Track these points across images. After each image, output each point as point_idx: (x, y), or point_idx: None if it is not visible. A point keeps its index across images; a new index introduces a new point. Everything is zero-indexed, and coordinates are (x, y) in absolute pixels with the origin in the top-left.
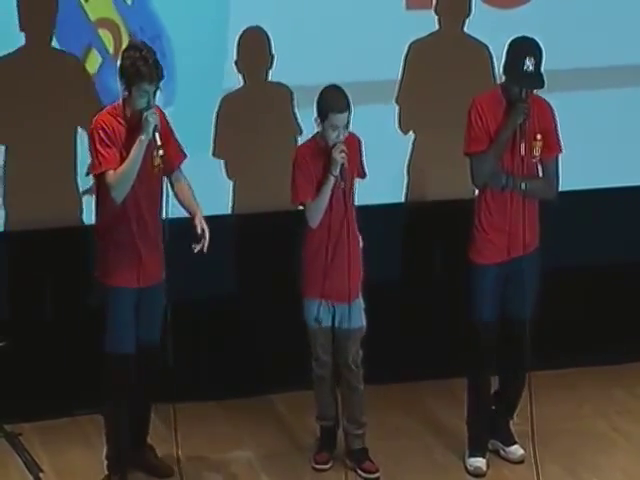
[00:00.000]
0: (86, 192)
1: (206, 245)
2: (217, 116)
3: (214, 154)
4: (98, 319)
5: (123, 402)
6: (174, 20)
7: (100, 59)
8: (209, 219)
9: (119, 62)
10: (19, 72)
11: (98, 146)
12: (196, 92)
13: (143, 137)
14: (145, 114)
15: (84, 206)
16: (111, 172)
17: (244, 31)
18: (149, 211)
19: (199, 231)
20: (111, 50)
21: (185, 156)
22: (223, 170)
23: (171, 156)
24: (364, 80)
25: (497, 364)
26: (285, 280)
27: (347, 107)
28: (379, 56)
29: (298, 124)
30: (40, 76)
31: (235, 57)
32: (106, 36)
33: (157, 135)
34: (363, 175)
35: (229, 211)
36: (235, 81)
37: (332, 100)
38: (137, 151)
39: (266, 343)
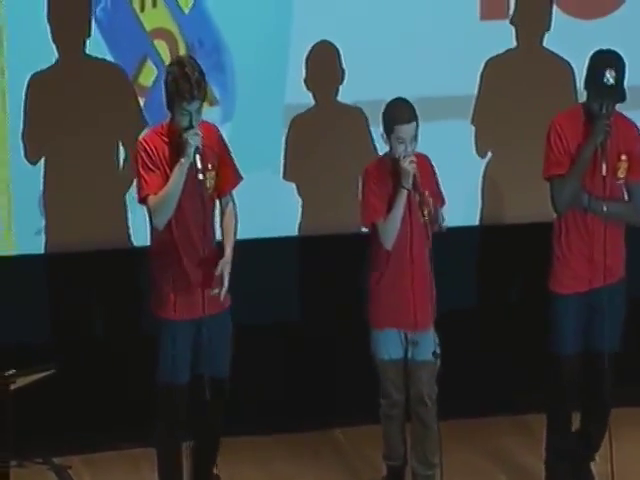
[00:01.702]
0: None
1: (222, 294)
2: (287, 138)
3: (284, 177)
4: (152, 348)
5: (176, 436)
6: (234, 31)
7: (155, 71)
8: (272, 241)
9: (164, 77)
10: (56, 86)
11: (141, 169)
12: (257, 108)
13: (183, 160)
14: (185, 135)
15: (131, 226)
16: (152, 197)
17: (314, 46)
18: (199, 235)
19: (217, 272)
20: (167, 62)
21: (240, 179)
22: (286, 190)
23: (223, 178)
24: (435, 95)
25: (579, 400)
26: (352, 308)
27: (413, 118)
28: (451, 70)
29: (373, 146)
30: (77, 88)
31: (304, 74)
32: (162, 47)
33: (198, 158)
34: (441, 201)
35: (293, 233)
36: (298, 97)
37: (397, 112)
38: (177, 175)
39: (331, 375)
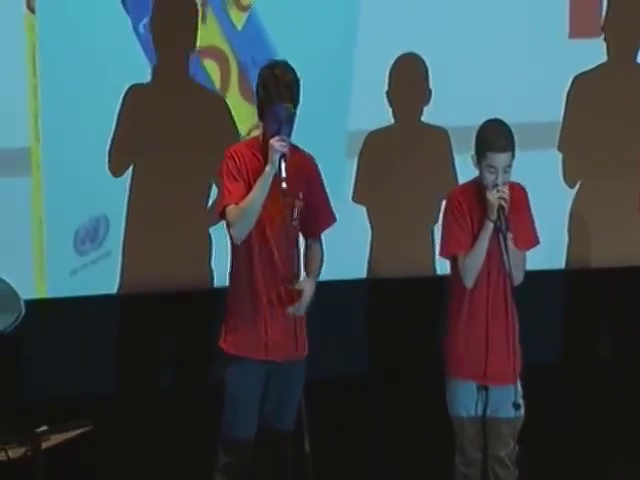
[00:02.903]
0: None
1: (300, 309)
2: (360, 155)
3: (354, 199)
4: (215, 397)
5: None
6: (292, 49)
7: None
8: (337, 284)
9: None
10: (150, 103)
11: (225, 178)
12: (317, 135)
13: (268, 168)
14: (272, 141)
15: (214, 265)
16: (232, 207)
17: (399, 58)
18: (285, 270)
19: (299, 287)
20: (217, 84)
21: (334, 220)
22: (351, 221)
23: (316, 216)
24: (520, 122)
25: None
26: (425, 357)
27: (509, 147)
28: (538, 93)
29: (455, 174)
30: (170, 109)
31: (386, 87)
32: (212, 67)
33: (283, 166)
34: (534, 240)
35: (361, 274)
36: (363, 122)
37: (491, 136)
38: (261, 183)
39: (399, 431)
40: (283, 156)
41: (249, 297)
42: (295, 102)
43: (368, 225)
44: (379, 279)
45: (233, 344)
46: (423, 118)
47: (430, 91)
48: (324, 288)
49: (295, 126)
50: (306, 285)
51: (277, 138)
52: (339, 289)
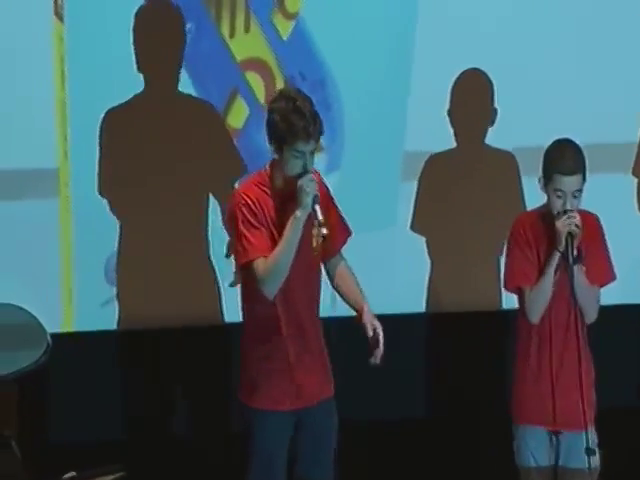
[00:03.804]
0: (232, 284)
1: (380, 353)
2: (419, 180)
3: (413, 228)
4: (240, 446)
5: None
6: (344, 61)
7: (247, 110)
8: (391, 318)
9: (266, 117)
10: (137, 124)
11: (242, 228)
12: (370, 155)
13: (299, 213)
14: (300, 182)
15: (224, 299)
16: (261, 261)
17: (462, 74)
18: (306, 307)
19: (369, 332)
20: (262, 99)
21: (350, 233)
22: (408, 252)
23: (332, 235)
24: (592, 142)
25: None
26: (489, 399)
27: (579, 169)
28: (612, 111)
29: (523, 201)
30: (162, 128)
31: (448, 105)
32: (255, 81)
33: (318, 208)
34: (609, 275)
35: (419, 308)
36: (421, 142)
37: (559, 157)
38: (292, 231)
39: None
40: (316, 197)
41: (269, 342)
42: (320, 135)
43: (426, 255)
44: (439, 313)
45: (257, 398)
46: (487, 139)
47: (495, 110)
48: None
49: (347, 146)
50: (374, 323)
51: (307, 178)
52: (394, 324)
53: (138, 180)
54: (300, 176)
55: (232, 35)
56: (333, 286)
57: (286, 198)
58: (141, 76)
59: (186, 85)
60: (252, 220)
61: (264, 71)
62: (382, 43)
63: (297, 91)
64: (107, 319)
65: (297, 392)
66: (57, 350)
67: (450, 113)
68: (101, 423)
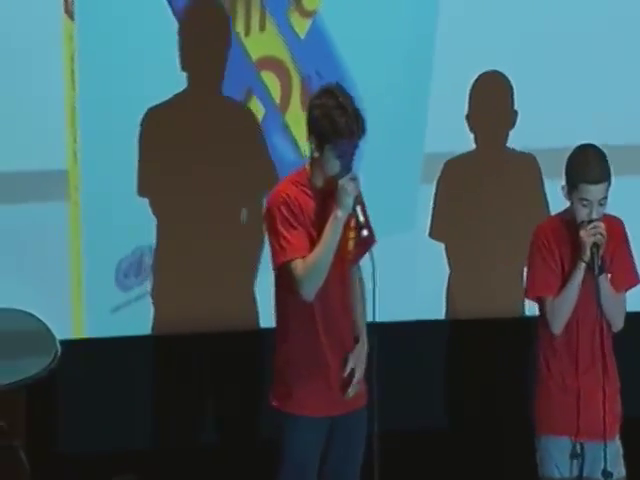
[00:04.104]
0: None
1: (351, 393)
2: (438, 184)
3: (431, 235)
4: (272, 452)
5: None
6: (362, 60)
7: (263, 110)
8: (411, 325)
9: (307, 113)
10: (177, 124)
11: (280, 227)
12: (389, 157)
13: (340, 213)
14: (341, 182)
15: (259, 303)
16: (299, 261)
17: (481, 76)
18: (343, 311)
19: (346, 371)
20: (277, 99)
21: (374, 242)
22: (427, 257)
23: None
24: (614, 144)
25: None
26: (512, 409)
27: (605, 177)
28: (635, 111)
29: (547, 205)
30: (204, 129)
31: (466, 110)
32: (271, 80)
33: (359, 209)
34: (634, 279)
35: (439, 314)
36: (441, 144)
37: (585, 166)
38: (332, 232)
39: None
40: (357, 197)
41: (306, 346)
42: (363, 133)
43: (446, 261)
44: (459, 320)
45: (292, 403)
46: (508, 142)
47: (516, 112)
48: (396, 329)
49: (365, 147)
50: (357, 363)
51: (349, 177)
52: (413, 331)
53: (178, 180)
54: (341, 175)
55: (247, 33)
56: None
57: (325, 198)
58: (160, 75)
59: None
60: (291, 219)
61: (280, 70)
62: (401, 42)
63: (340, 87)
64: (118, 325)
65: (334, 398)
66: (67, 357)
67: (469, 117)
68: (111, 432)
